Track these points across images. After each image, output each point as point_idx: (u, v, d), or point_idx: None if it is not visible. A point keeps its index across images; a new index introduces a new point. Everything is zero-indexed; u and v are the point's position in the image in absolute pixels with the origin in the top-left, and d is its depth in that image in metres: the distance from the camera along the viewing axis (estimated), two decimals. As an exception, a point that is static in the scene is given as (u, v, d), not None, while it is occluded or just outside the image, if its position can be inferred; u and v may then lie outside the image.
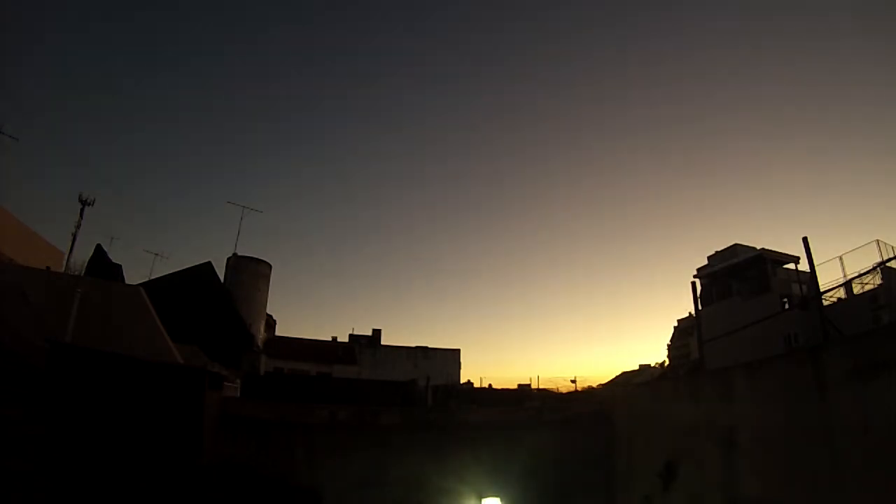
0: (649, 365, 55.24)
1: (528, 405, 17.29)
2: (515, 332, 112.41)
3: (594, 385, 40.80)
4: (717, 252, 23.59)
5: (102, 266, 16.08)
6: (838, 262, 15.94)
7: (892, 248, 15.15)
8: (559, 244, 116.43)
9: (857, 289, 15.86)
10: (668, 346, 50.71)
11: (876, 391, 5.45)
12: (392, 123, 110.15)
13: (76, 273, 15.24)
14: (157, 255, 22.25)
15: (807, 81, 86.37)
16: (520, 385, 38.45)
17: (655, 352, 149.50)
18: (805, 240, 10.83)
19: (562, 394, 30.28)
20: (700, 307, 20.47)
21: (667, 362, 47.52)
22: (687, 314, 39.33)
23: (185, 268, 20.63)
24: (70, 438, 6.56)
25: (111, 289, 11.31)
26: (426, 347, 39.68)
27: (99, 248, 17.26)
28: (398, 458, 10.27)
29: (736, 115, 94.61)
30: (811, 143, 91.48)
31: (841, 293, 16.27)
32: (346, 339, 39.80)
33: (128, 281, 15.88)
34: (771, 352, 14.25)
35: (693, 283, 16.16)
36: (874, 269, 14.45)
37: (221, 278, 24.11)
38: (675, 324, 50.36)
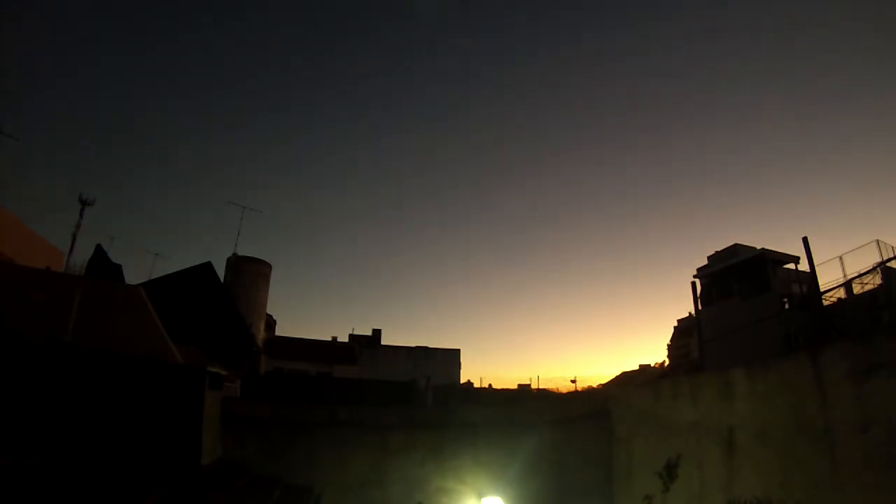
0: (649, 365, 55.08)
1: (528, 405, 17.26)
2: (515, 332, 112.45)
3: (594, 385, 40.91)
4: (717, 252, 23.54)
5: (102, 266, 16.06)
6: (838, 262, 15.96)
7: (892, 248, 15.14)
8: (559, 244, 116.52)
9: (857, 289, 15.85)
10: (668, 346, 50.60)
11: (875, 391, 5.46)
12: (392, 123, 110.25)
13: (76, 273, 15.24)
14: (157, 255, 22.32)
15: (807, 81, 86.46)
16: (520, 385, 38.58)
17: (655, 352, 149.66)
18: (805, 240, 10.90)
19: (562, 394, 30.27)
20: (700, 307, 20.53)
21: (667, 362, 47.41)
22: (687, 314, 39.23)
23: (185, 268, 20.62)
24: (70, 438, 6.56)
25: (111, 289, 11.30)
26: (426, 347, 39.60)
27: (99, 248, 17.22)
28: (398, 457, 10.28)
29: (736, 115, 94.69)
30: (811, 144, 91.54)
31: (841, 293, 16.27)
32: (346, 339, 39.78)
33: (128, 281, 15.85)
34: (771, 352, 14.27)
35: (693, 283, 16.22)
36: (874, 269, 14.45)
37: (221, 278, 24.09)
38: (675, 324, 50.32)
